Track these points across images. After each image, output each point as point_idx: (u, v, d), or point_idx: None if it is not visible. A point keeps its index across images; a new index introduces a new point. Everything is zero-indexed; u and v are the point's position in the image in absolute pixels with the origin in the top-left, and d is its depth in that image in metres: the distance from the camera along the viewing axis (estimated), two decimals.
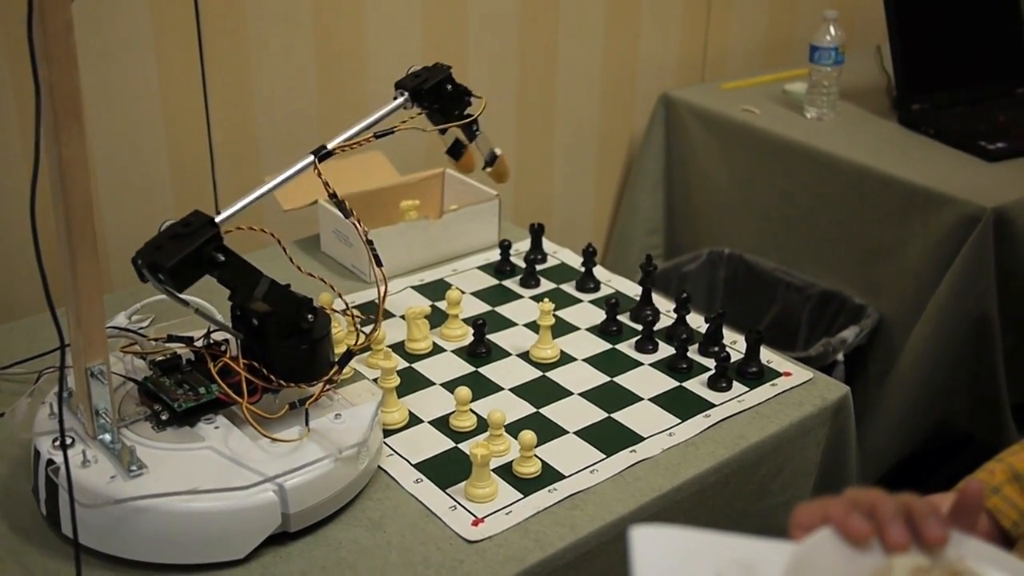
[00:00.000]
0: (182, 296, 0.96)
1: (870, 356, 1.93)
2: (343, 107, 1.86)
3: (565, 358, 1.27)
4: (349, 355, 1.05)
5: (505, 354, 1.28)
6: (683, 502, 1.08)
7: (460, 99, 1.17)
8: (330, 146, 1.03)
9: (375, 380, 1.14)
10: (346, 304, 1.12)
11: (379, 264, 1.03)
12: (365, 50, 1.86)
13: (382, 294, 1.05)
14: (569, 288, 1.44)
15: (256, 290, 0.99)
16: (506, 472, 1.07)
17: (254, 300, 0.98)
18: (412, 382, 1.22)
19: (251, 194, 1.01)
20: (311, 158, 1.03)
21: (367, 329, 1.11)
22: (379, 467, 1.08)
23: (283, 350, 1.01)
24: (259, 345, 1.02)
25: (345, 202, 1.02)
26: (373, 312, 1.31)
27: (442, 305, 1.35)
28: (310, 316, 1.01)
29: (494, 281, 1.46)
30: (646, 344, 1.29)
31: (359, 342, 1.08)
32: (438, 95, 1.14)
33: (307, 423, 1.00)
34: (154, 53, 1.65)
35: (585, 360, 1.27)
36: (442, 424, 1.15)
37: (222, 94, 1.73)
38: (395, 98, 1.13)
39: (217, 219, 0.96)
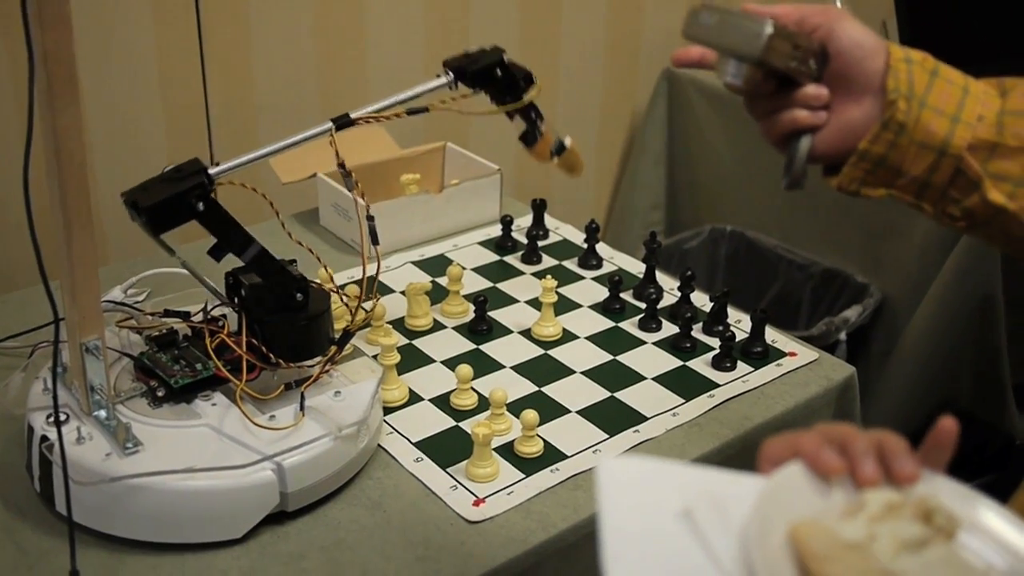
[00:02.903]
0: (164, 241, 0.95)
1: (872, 336, 1.92)
2: (342, 78, 1.84)
3: (567, 336, 1.26)
4: (347, 336, 1.03)
5: (506, 331, 1.26)
6: None
7: (514, 84, 1.10)
8: (354, 115, 0.99)
9: (375, 357, 1.12)
10: (334, 284, 1.10)
11: (375, 242, 1.01)
12: (364, 20, 1.83)
13: (376, 273, 1.03)
14: (571, 265, 1.42)
15: (244, 254, 0.97)
16: (508, 452, 1.06)
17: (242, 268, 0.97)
18: (412, 359, 1.20)
19: (253, 152, 0.99)
20: (329, 125, 0.99)
21: (366, 305, 1.10)
22: (379, 445, 1.06)
23: (279, 326, 1.00)
24: (254, 321, 1.00)
25: (352, 175, 0.99)
26: (370, 288, 1.30)
27: (443, 281, 1.33)
28: (299, 295, 0.99)
29: (495, 257, 1.44)
30: (649, 322, 1.28)
31: (356, 320, 1.06)
32: (487, 78, 1.08)
33: (302, 408, 0.98)
34: (151, 20, 1.62)
35: (588, 338, 1.26)
36: (443, 402, 1.13)
37: (219, 63, 1.70)
38: (438, 75, 1.07)
39: (211, 171, 0.94)
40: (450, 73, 1.07)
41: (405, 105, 1.02)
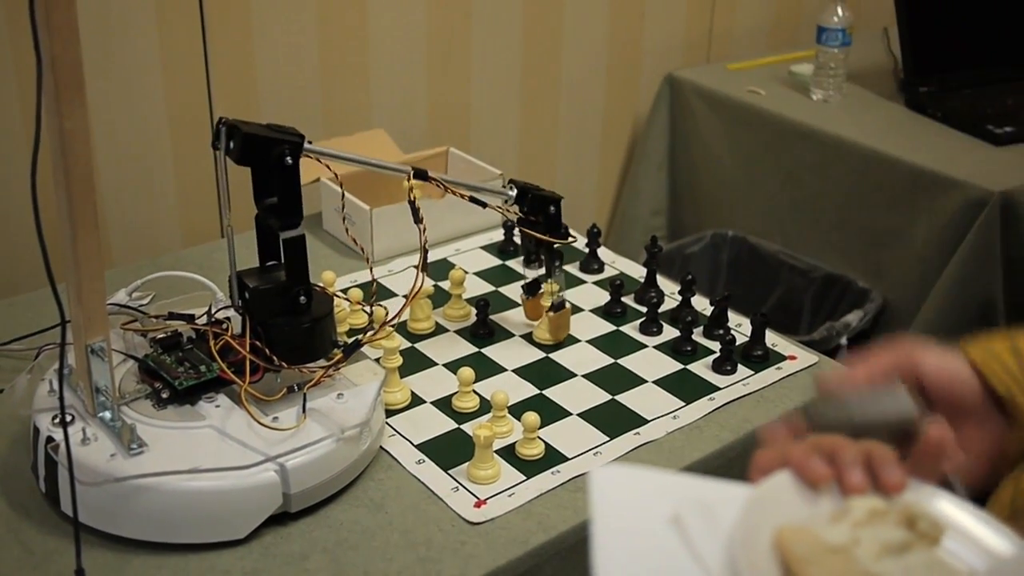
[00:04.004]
0: (228, 188, 1.01)
1: (874, 340, 1.93)
2: (346, 82, 1.85)
3: (569, 339, 1.26)
4: (357, 344, 1.04)
5: (508, 335, 1.27)
6: None
7: (556, 225, 1.21)
8: (430, 174, 1.11)
9: (377, 360, 1.13)
10: (370, 306, 1.11)
11: (425, 268, 1.07)
12: (367, 22, 1.84)
13: (413, 292, 1.07)
14: (573, 269, 1.42)
15: (289, 229, 1.00)
16: (509, 454, 1.07)
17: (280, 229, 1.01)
18: (414, 362, 1.21)
19: (342, 151, 1.07)
20: (408, 168, 1.10)
21: (369, 309, 1.11)
22: (381, 447, 1.07)
23: (282, 328, 1.01)
24: (257, 323, 1.01)
25: (420, 209, 1.07)
26: (374, 292, 1.31)
27: (445, 285, 1.34)
28: (303, 298, 1.01)
29: (497, 261, 1.45)
30: (650, 326, 1.28)
31: (372, 331, 1.08)
32: (540, 208, 1.20)
33: (304, 410, 0.99)
34: (156, 25, 1.63)
35: (589, 342, 1.26)
36: (445, 405, 1.14)
37: (224, 68, 1.71)
38: (503, 185, 1.21)
39: (306, 143, 1.01)
40: (514, 189, 1.20)
41: (470, 191, 1.17)
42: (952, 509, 0.64)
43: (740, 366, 1.22)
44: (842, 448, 0.65)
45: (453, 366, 1.19)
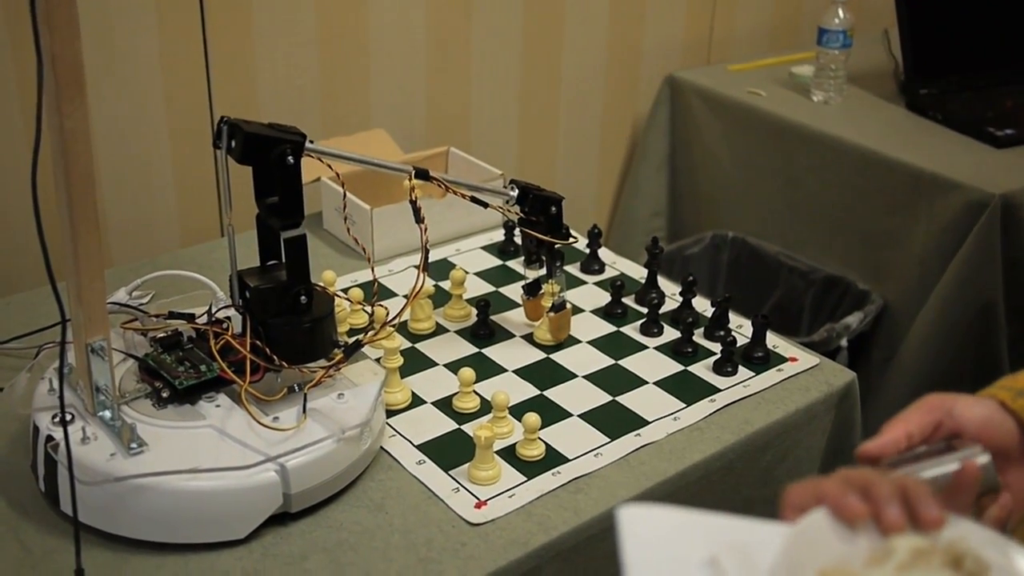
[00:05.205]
0: (229, 182, 1.00)
1: (873, 342, 1.92)
2: (346, 82, 1.85)
3: (570, 340, 1.26)
4: (357, 344, 1.04)
5: (509, 335, 1.27)
6: (687, 487, 1.07)
7: (557, 226, 1.21)
8: (431, 174, 1.11)
9: (378, 360, 1.13)
10: (372, 306, 1.11)
11: (426, 268, 1.07)
12: (367, 22, 1.84)
13: (414, 292, 1.07)
14: (574, 270, 1.42)
15: (291, 229, 1.00)
16: (509, 455, 1.06)
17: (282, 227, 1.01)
18: (415, 362, 1.21)
19: (343, 151, 1.06)
20: (409, 168, 1.10)
21: (370, 309, 1.10)
22: (381, 448, 1.07)
23: (282, 328, 1.00)
24: (258, 323, 1.01)
25: (421, 209, 1.07)
26: (375, 292, 1.31)
27: (445, 285, 1.34)
28: (303, 298, 1.00)
29: (498, 261, 1.44)
30: (651, 327, 1.28)
31: (373, 331, 1.07)
32: (541, 209, 1.20)
33: (304, 410, 0.99)
34: (156, 24, 1.63)
35: (590, 343, 1.26)
36: (445, 405, 1.14)
37: (224, 68, 1.71)
38: (504, 185, 1.20)
39: (307, 142, 1.01)
40: (516, 190, 1.20)
41: (471, 191, 1.17)
42: (997, 548, 0.63)
43: (741, 367, 1.22)
44: (876, 483, 0.64)
45: (454, 366, 1.19)
